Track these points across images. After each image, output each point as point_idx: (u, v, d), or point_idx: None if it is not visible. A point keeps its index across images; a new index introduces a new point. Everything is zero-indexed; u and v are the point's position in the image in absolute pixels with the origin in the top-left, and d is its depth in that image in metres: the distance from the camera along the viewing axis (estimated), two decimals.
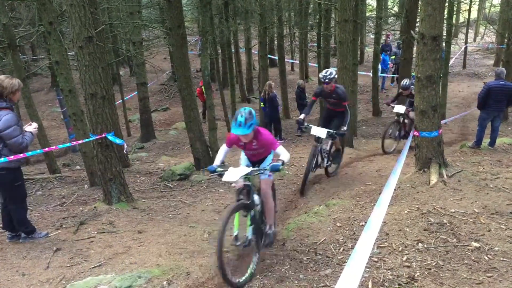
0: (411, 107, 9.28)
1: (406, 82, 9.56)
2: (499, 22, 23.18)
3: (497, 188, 5.04)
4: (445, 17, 10.36)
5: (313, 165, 6.65)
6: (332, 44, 19.67)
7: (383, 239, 3.93)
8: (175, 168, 8.33)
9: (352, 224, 4.44)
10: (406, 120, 9.64)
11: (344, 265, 2.96)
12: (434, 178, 5.40)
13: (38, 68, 18.60)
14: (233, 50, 18.96)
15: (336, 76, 6.54)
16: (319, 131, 6.46)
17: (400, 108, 9.52)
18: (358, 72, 14.74)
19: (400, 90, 9.84)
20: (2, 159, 4.37)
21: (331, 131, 6.51)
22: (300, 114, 8.86)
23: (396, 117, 9.79)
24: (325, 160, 6.96)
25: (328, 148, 6.95)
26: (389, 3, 27.68)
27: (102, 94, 5.79)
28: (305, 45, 18.42)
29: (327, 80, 6.39)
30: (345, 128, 6.53)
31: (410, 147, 8.05)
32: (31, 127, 4.78)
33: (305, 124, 6.68)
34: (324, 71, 6.52)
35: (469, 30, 27.50)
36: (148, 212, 6.17)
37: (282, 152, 4.02)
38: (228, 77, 18.23)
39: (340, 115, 6.76)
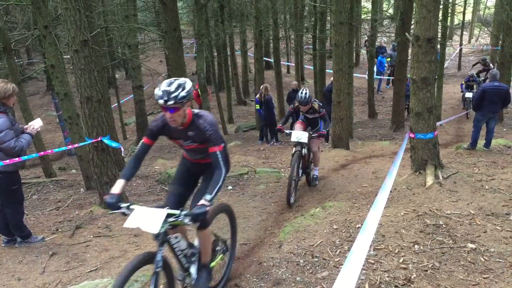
0: (321, 127, 6.75)
1: (305, 93, 6.39)
2: (493, 24, 23.34)
3: (493, 189, 5.06)
4: (439, 19, 10.43)
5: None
6: (328, 46, 19.74)
7: (379, 241, 3.93)
8: (171, 171, 8.30)
9: (349, 226, 4.45)
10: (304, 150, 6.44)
11: (341, 267, 2.96)
12: (430, 180, 5.41)
13: (34, 72, 18.55)
14: (229, 53, 19.00)
15: (192, 92, 3.05)
16: (150, 219, 2.71)
17: (300, 136, 6.25)
18: (354, 74, 14.80)
19: (296, 104, 6.67)
20: None
21: (176, 213, 2.78)
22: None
23: (294, 149, 6.38)
24: (186, 266, 3.32)
25: (185, 245, 3.30)
26: (384, 5, 27.81)
27: (97, 98, 5.78)
28: (301, 47, 18.47)
29: (171, 103, 2.87)
30: (213, 194, 2.91)
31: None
32: (34, 124, 4.76)
33: (124, 205, 2.83)
34: (166, 83, 2.93)
35: (464, 32, 27.66)
36: None
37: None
38: (224, 79, 18.29)
39: (211, 170, 3.15)
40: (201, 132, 3.14)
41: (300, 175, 6.61)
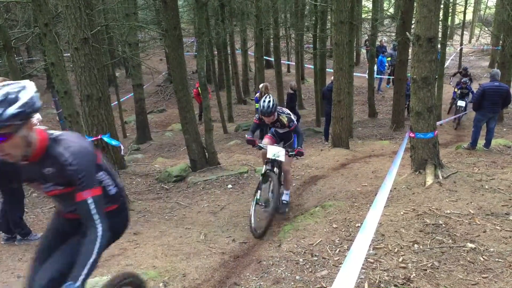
0: (295, 142, 5.64)
1: (268, 101, 5.14)
2: (494, 24, 23.35)
3: (492, 189, 5.06)
4: (440, 19, 10.42)
5: None
6: (328, 45, 19.73)
7: (379, 240, 3.93)
8: (171, 169, 8.31)
9: (348, 226, 4.45)
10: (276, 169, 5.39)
11: (340, 266, 2.96)
12: (429, 179, 5.42)
13: (34, 70, 18.51)
14: (229, 52, 19.00)
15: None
16: None
17: (277, 153, 5.19)
18: (354, 74, 14.79)
19: (259, 116, 5.38)
20: None
21: None
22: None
23: (264, 167, 5.36)
24: None
25: None
26: (384, 4, 27.80)
27: (97, 96, 5.79)
28: (301, 46, 18.45)
29: (7, 124, 1.78)
30: (84, 274, 1.87)
31: None
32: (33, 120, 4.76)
33: None
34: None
35: (465, 32, 27.63)
36: (144, 213, 6.15)
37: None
38: (224, 78, 18.27)
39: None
40: (61, 167, 1.96)
41: (269, 197, 5.25)
